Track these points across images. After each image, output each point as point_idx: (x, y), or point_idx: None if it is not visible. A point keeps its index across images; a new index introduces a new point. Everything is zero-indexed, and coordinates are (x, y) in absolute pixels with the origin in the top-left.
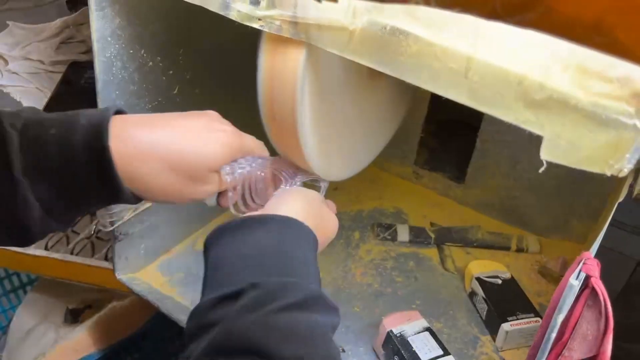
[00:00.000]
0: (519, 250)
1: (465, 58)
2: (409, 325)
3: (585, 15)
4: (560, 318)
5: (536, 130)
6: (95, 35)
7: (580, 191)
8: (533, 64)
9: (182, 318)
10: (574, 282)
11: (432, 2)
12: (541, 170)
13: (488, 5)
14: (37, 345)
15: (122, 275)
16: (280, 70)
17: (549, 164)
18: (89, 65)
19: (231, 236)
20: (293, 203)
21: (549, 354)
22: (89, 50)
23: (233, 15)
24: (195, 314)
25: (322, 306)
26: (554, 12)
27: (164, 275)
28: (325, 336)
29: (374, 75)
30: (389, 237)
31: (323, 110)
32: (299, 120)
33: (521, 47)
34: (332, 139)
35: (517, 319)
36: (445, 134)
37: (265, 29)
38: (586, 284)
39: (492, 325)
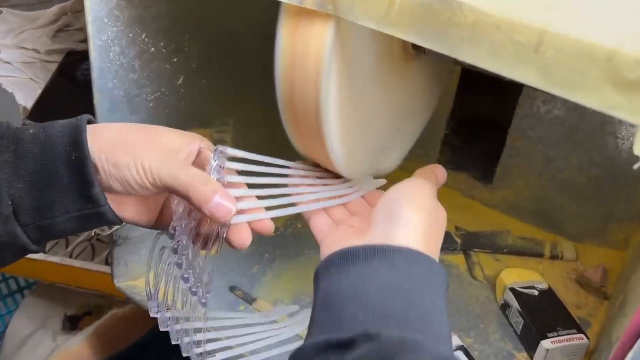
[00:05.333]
0: (553, 257)
1: (537, 29)
2: None
3: None
4: None
5: (628, 118)
6: (89, 16)
7: (621, 193)
8: (627, 34)
9: None
10: None
11: None
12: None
13: None
14: (33, 353)
15: (121, 283)
16: (303, 51)
17: (591, 162)
18: (87, 54)
19: (345, 267)
20: (414, 221)
21: None
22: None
23: None
24: (297, 356)
25: None
26: None
27: None
28: None
29: (407, 58)
30: None
31: (350, 99)
32: (324, 111)
33: (611, 13)
34: (359, 135)
35: (558, 335)
36: (470, 130)
37: (285, 1)
38: None
39: (529, 342)
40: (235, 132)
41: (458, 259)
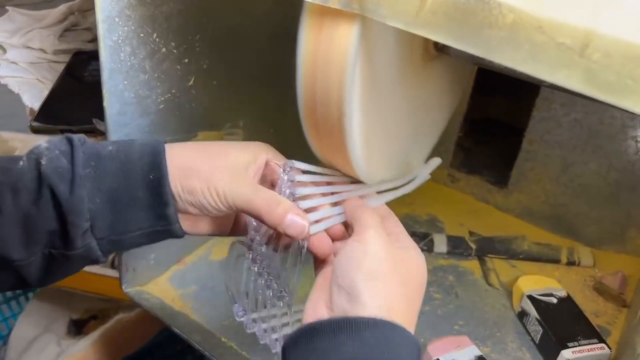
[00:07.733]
0: (570, 263)
1: (583, 30)
2: (459, 353)
3: None
4: None
5: None
6: (100, 15)
7: None
8: None
9: (195, 337)
10: None
11: None
12: None
13: None
14: (38, 357)
15: (130, 289)
16: (327, 51)
17: (610, 167)
18: (95, 54)
19: (313, 343)
20: (387, 286)
21: None
22: (96, 39)
23: None
24: None
25: None
26: None
27: (175, 289)
28: None
29: (428, 58)
30: (424, 248)
31: (372, 101)
32: (347, 114)
33: None
34: (381, 137)
35: (579, 345)
36: (485, 133)
37: (309, 0)
38: None
39: (548, 351)
40: (245, 134)
41: (473, 265)
